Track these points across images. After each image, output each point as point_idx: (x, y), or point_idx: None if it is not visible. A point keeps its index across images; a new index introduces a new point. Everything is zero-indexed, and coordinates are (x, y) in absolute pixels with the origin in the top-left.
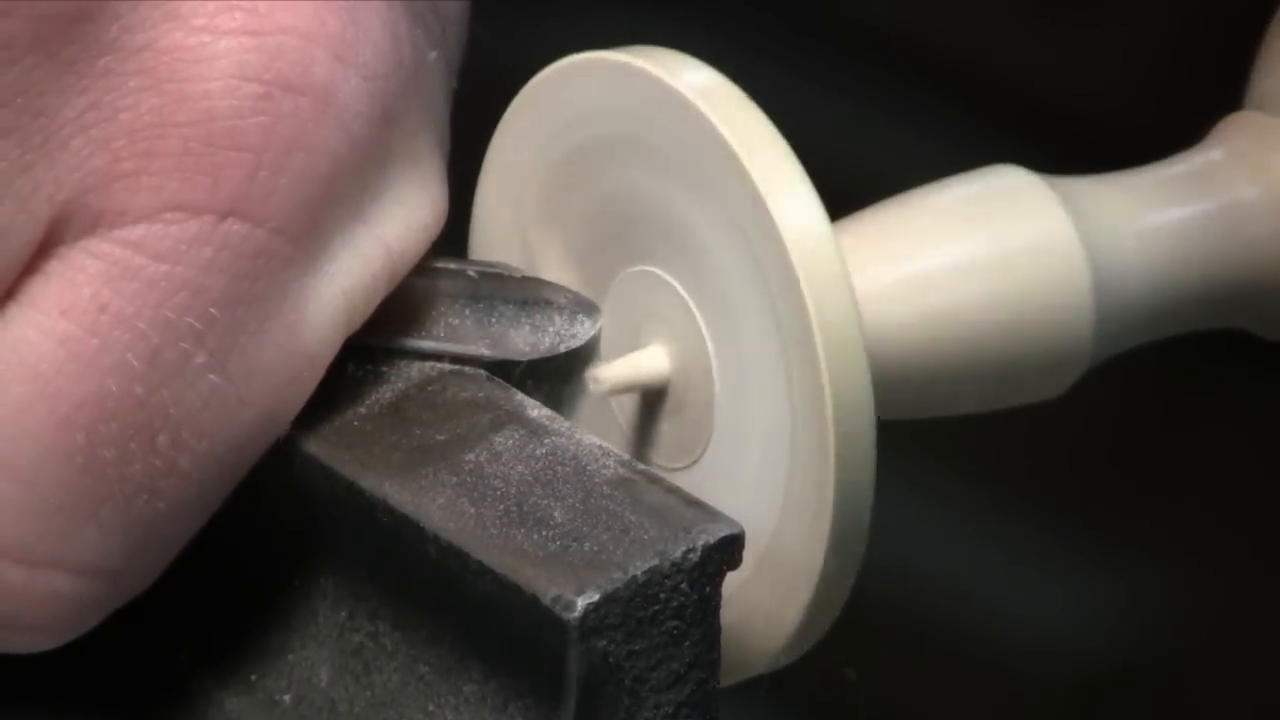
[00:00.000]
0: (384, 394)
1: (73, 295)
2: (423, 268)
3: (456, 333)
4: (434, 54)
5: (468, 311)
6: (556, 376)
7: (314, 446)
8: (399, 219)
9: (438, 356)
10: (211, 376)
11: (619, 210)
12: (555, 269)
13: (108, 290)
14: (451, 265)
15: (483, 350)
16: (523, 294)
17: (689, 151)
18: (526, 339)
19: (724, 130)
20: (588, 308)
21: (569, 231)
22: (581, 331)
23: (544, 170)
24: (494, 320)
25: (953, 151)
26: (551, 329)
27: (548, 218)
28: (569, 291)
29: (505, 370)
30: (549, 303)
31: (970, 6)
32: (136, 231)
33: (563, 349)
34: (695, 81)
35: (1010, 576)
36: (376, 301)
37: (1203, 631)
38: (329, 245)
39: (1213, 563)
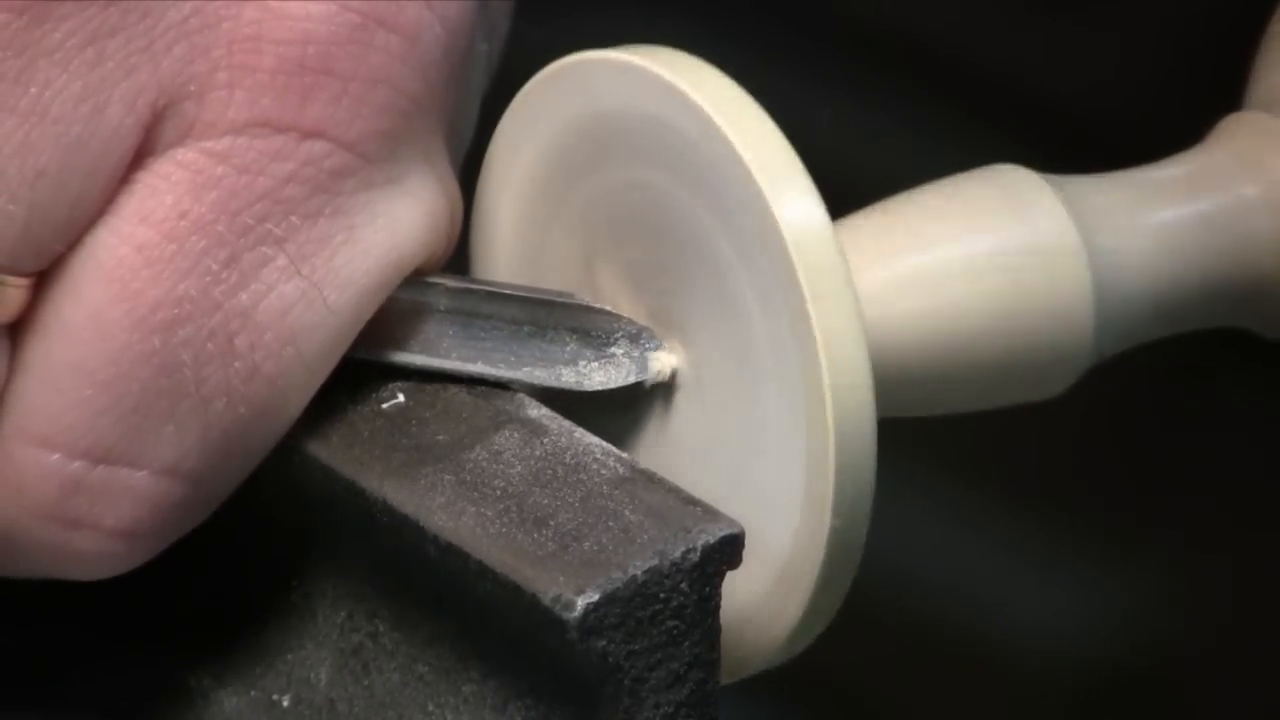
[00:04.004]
0: (384, 394)
1: (154, 203)
2: (482, 293)
3: (523, 361)
4: (484, 46)
5: (533, 340)
6: (614, 405)
7: (314, 446)
8: (453, 177)
9: (505, 384)
10: (296, 281)
11: (619, 209)
12: (556, 265)
13: (189, 198)
14: (510, 291)
15: (551, 380)
16: (585, 323)
17: (690, 150)
18: (597, 371)
19: (726, 129)
20: (649, 338)
21: (569, 230)
22: (646, 364)
23: (544, 168)
24: (561, 350)
25: (953, 150)
26: (619, 359)
27: (548, 216)
28: (630, 321)
29: (576, 399)
30: (612, 332)
31: (971, 5)
32: (223, 143)
33: (632, 381)
34: (697, 80)
35: (1010, 576)
36: (458, 230)
37: (1205, 632)
38: (408, 173)
39: (1214, 563)
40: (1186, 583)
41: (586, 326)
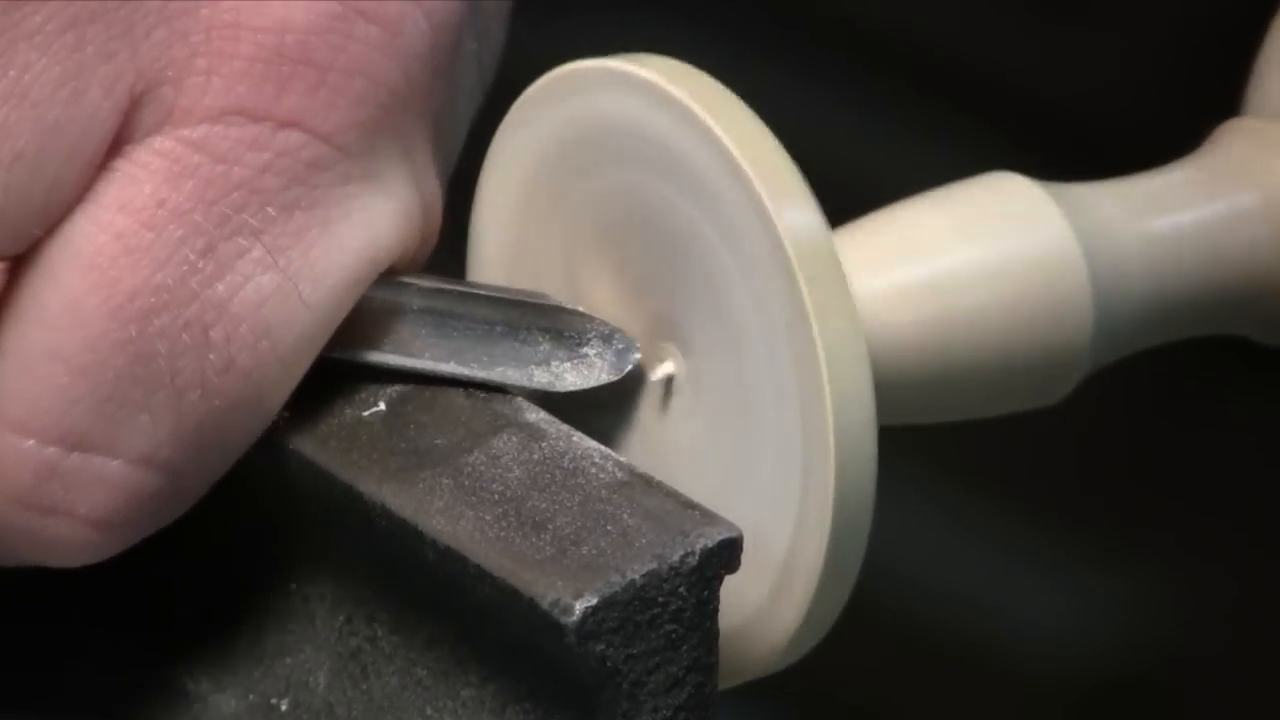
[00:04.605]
0: (381, 397)
1: (133, 191)
2: (455, 293)
3: (496, 361)
4: (473, 45)
5: (506, 340)
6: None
7: (312, 450)
8: (434, 177)
9: (481, 385)
10: (272, 274)
11: (618, 216)
12: (553, 273)
13: (167, 187)
14: (483, 291)
15: (524, 380)
16: (558, 324)
17: (689, 158)
18: (570, 371)
19: (723, 137)
20: (623, 339)
21: (566, 237)
22: (619, 364)
23: (543, 175)
24: (534, 350)
25: (952, 156)
26: (592, 359)
27: (545, 223)
28: (603, 322)
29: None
30: (584, 333)
31: (970, 11)
32: (200, 131)
33: (605, 382)
34: (694, 88)
35: (1012, 580)
36: (435, 231)
37: (1206, 635)
38: (386, 168)
39: (1216, 567)
40: (1187, 587)
41: (559, 327)
